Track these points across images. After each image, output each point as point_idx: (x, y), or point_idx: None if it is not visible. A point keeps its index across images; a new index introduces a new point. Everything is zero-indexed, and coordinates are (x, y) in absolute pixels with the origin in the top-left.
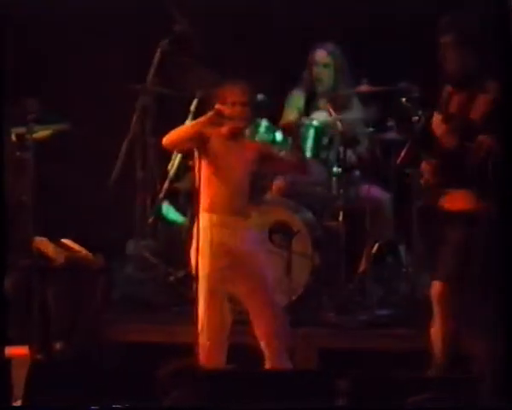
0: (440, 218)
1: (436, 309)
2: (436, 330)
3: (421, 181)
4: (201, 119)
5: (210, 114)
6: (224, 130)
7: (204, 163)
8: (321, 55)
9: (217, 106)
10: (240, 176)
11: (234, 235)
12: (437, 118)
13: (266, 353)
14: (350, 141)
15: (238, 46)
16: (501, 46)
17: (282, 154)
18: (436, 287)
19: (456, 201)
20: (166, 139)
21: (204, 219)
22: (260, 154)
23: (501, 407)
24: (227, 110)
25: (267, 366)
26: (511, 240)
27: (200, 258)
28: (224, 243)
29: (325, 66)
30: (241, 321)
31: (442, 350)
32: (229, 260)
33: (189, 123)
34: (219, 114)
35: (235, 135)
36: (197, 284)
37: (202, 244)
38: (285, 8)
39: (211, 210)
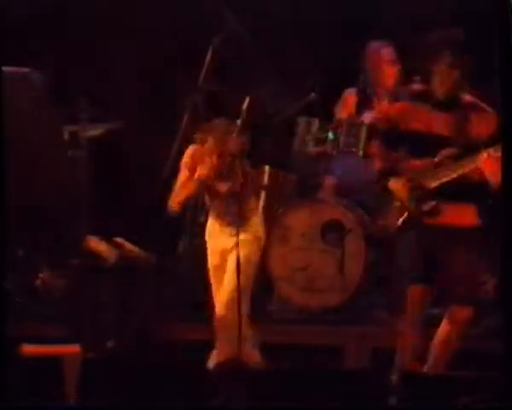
0: None
1: None
2: None
3: None
4: (195, 178)
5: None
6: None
7: None
8: (389, 52)
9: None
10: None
11: (226, 240)
12: None
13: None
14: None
15: (292, 45)
16: (501, 46)
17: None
18: None
19: None
20: (173, 205)
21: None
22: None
23: (501, 406)
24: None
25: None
26: None
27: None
28: (218, 245)
29: (393, 63)
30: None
31: None
32: (220, 259)
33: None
34: (201, 177)
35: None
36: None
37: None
38: (339, 7)
39: (212, 217)
